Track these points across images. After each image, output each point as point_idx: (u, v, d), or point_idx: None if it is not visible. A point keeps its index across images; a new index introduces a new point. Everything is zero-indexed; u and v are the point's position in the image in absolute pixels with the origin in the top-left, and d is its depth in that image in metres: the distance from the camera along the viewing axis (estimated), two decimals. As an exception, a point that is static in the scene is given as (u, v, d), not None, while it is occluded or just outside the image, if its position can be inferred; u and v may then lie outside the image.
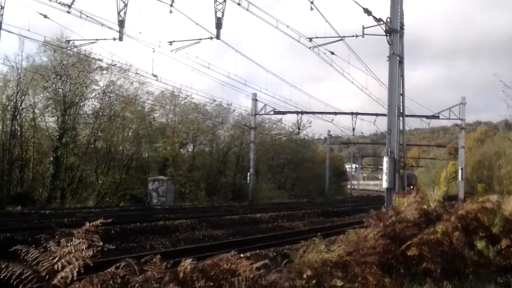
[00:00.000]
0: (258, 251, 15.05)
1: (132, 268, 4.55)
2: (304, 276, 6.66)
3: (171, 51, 32.94)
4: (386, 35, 24.77)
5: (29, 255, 4.33)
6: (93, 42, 32.47)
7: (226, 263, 4.94)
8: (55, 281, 4.11)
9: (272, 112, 52.58)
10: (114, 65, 43.84)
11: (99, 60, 42.55)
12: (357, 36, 27.57)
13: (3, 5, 26.01)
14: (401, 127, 26.08)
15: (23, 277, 4.11)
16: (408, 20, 37.34)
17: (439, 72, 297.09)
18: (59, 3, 25.72)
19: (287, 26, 31.26)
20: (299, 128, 60.48)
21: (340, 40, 29.33)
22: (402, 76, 25.90)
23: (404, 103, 26.49)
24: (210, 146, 65.58)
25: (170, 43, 33.11)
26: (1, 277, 4.11)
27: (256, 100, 52.42)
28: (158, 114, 57.49)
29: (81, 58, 43.61)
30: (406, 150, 30.54)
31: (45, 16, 28.07)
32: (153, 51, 34.56)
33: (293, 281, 6.14)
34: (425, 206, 12.24)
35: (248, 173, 53.93)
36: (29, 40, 35.29)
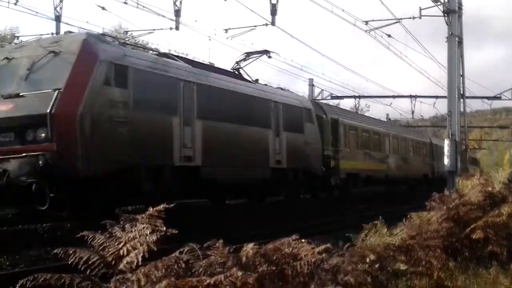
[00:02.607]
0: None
1: (195, 253, 4.60)
2: (367, 260, 6.62)
3: (227, 38, 32.96)
4: (444, 16, 24.30)
5: (95, 241, 4.42)
6: (150, 32, 32.70)
7: (287, 247, 4.95)
8: (121, 266, 4.19)
9: (329, 97, 52.21)
10: (171, 54, 44.20)
11: (156, 50, 43.03)
12: (414, 18, 27.02)
13: (60, -2, 26.28)
14: (461, 109, 25.59)
15: (90, 262, 4.20)
16: (467, 1, 36.50)
17: (502, 52, 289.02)
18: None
19: (343, 10, 30.96)
20: (357, 112, 59.91)
21: (397, 22, 28.80)
22: (462, 57, 25.39)
23: (464, 85, 25.97)
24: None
25: (226, 30, 33.12)
26: (70, 262, 4.21)
27: (313, 85, 52.10)
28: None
29: (138, 49, 44.18)
30: (468, 132, 29.97)
31: (103, 8, 28.44)
32: (209, 39, 34.51)
33: (356, 265, 6.11)
34: (490, 188, 12.02)
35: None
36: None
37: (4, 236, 12.36)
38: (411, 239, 8.16)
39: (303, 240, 5.40)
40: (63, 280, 4.04)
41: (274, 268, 4.72)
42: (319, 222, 20.06)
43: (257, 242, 5.09)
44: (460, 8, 24.90)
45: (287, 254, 4.96)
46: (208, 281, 3.94)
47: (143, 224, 4.46)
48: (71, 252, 4.20)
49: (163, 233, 4.39)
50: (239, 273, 4.07)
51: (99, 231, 4.56)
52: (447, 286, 7.99)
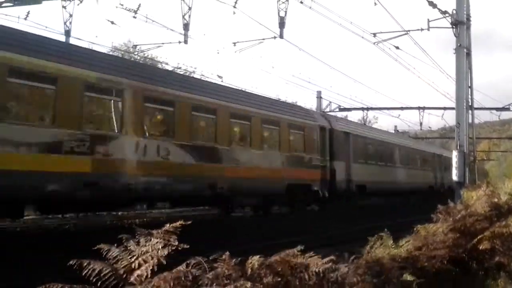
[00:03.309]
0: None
1: (201, 266, 4.71)
2: (373, 272, 6.70)
3: (235, 52, 33.11)
4: (452, 28, 24.39)
5: (110, 254, 4.54)
6: (159, 46, 33.01)
7: (294, 258, 5.03)
8: (131, 279, 4.30)
9: (337, 109, 52.26)
10: (179, 68, 44.41)
11: (165, 63, 43.17)
12: (422, 29, 27.13)
13: (71, 13, 26.70)
14: (470, 121, 25.61)
15: (102, 274, 4.32)
16: (475, 11, 36.44)
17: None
18: (126, 8, 26.24)
19: (351, 23, 31.19)
20: (365, 124, 59.87)
21: (405, 34, 28.90)
22: (470, 68, 25.41)
23: (472, 96, 25.99)
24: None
25: (234, 44, 33.30)
26: (83, 274, 4.33)
27: (320, 97, 52.20)
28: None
29: (147, 62, 44.44)
30: (476, 143, 29.91)
31: (112, 23, 28.79)
32: (218, 53, 34.56)
33: (361, 277, 6.19)
34: (496, 199, 12.05)
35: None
36: (98, 46, 35.91)
37: (17, 245, 12.55)
38: (417, 250, 8.22)
39: (307, 252, 5.48)
40: (74, 291, 4.16)
41: (279, 279, 4.81)
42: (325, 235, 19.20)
43: (261, 254, 5.17)
44: (468, 19, 24.97)
45: (297, 264, 5.03)
46: (215, 293, 4.05)
47: (157, 238, 4.57)
48: (85, 264, 4.32)
49: (174, 248, 4.49)
50: (248, 284, 4.17)
51: (115, 244, 4.67)
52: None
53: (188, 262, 4.65)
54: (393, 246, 7.91)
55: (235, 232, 18.00)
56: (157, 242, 4.52)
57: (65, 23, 26.81)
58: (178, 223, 4.81)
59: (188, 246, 4.61)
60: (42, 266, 10.48)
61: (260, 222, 22.30)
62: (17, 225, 19.69)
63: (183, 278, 4.28)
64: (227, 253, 4.92)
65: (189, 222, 4.89)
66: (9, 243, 13.35)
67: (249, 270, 4.81)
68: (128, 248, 4.62)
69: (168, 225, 4.81)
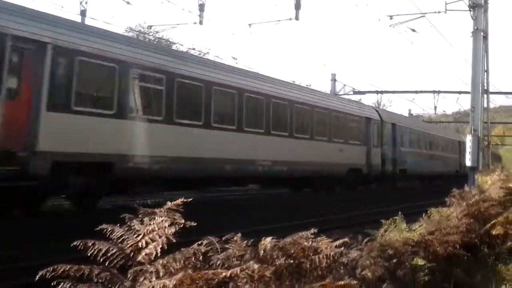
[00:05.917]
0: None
1: (214, 246, 4.67)
2: (385, 255, 6.64)
3: (250, 34, 33.04)
4: (470, 10, 24.14)
5: (114, 234, 4.48)
6: (174, 27, 33.06)
7: (306, 241, 4.98)
8: (139, 258, 4.24)
9: (351, 92, 51.98)
10: (194, 48, 44.34)
11: (180, 44, 43.10)
12: (439, 12, 26.87)
13: (86, -7, 26.57)
14: (485, 105, 25.40)
15: (109, 254, 4.26)
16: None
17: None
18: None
19: (367, 4, 31.08)
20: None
21: (422, 17, 28.62)
22: (487, 52, 25.17)
23: (488, 80, 25.75)
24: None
25: (249, 25, 33.24)
26: (89, 254, 4.27)
27: (335, 80, 51.93)
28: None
29: (162, 43, 44.38)
30: (491, 128, 29.65)
31: (128, 3, 28.74)
32: (233, 34, 34.31)
33: (374, 259, 6.13)
34: (510, 185, 11.98)
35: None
36: (113, 27, 35.92)
37: (22, 229, 12.60)
38: (430, 235, 8.15)
39: (321, 235, 5.42)
40: (82, 271, 4.10)
41: (291, 261, 4.76)
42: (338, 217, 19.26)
43: (274, 236, 5.12)
44: (486, 2, 24.72)
45: (306, 247, 4.98)
46: (224, 273, 3.98)
47: (161, 217, 4.51)
48: (90, 244, 4.26)
49: (181, 226, 4.44)
50: (256, 266, 4.11)
51: (118, 224, 4.62)
52: (465, 282, 7.97)
53: (199, 242, 4.60)
54: (406, 230, 7.84)
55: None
56: (162, 221, 4.46)
57: (80, 3, 26.82)
58: (179, 201, 4.75)
59: (195, 224, 4.55)
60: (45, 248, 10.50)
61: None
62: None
63: (193, 258, 4.23)
64: (239, 234, 4.87)
65: (190, 199, 4.83)
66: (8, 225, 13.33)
67: (262, 252, 4.76)
68: (133, 227, 4.56)
69: (169, 203, 4.75)
